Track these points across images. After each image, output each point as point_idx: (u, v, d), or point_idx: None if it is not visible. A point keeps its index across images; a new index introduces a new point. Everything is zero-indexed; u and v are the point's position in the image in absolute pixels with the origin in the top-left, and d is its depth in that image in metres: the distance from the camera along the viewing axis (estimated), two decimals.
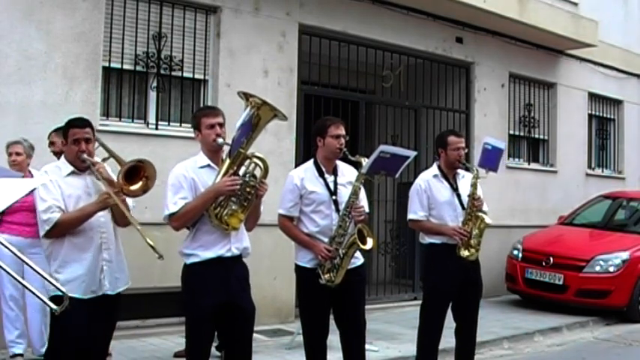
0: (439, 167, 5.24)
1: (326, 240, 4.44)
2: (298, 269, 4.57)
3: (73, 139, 3.81)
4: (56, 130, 5.61)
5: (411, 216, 5.22)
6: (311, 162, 4.63)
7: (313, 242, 4.44)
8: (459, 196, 5.13)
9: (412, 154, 4.68)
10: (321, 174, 4.53)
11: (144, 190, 3.75)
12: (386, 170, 4.56)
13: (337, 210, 4.45)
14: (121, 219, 3.86)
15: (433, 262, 5.19)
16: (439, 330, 5.16)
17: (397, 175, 4.75)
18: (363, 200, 4.58)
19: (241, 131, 3.82)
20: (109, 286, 3.83)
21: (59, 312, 3.10)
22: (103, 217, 3.82)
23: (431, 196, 5.14)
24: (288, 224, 4.56)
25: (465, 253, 5.06)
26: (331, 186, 4.51)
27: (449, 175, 5.19)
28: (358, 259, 4.58)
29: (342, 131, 4.55)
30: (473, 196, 5.06)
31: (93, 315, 3.73)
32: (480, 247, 5.16)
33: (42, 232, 3.76)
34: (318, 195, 4.47)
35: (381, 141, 9.46)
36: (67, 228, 3.71)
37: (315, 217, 4.48)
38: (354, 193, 4.40)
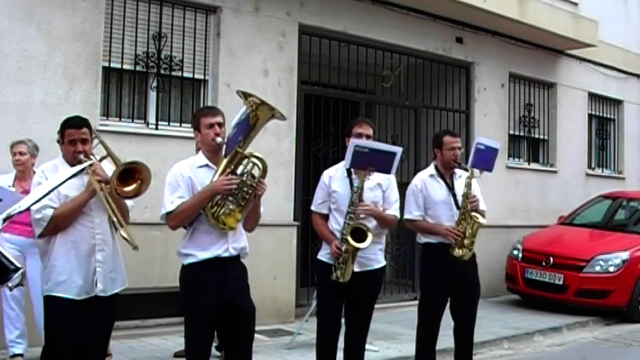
0: (436, 167, 5.28)
1: None
2: (318, 263, 4.72)
3: (69, 140, 3.80)
4: None
5: (406, 215, 5.26)
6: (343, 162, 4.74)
7: (331, 238, 4.57)
8: (454, 195, 5.15)
9: (397, 150, 4.60)
10: (349, 174, 4.63)
11: (136, 192, 3.73)
12: (374, 167, 4.51)
13: None
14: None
15: (429, 261, 5.23)
16: (436, 328, 5.18)
17: (392, 173, 4.69)
18: (393, 202, 4.69)
19: (237, 130, 3.81)
20: (102, 288, 3.78)
21: (12, 288, 3.19)
22: (98, 217, 3.79)
23: (427, 195, 5.17)
24: (317, 220, 4.74)
25: (458, 252, 5.07)
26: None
27: (445, 175, 5.21)
28: (377, 262, 4.67)
29: (364, 130, 4.66)
30: (467, 196, 5.06)
31: (88, 316, 3.71)
32: (474, 247, 5.17)
33: (38, 231, 3.72)
34: (339, 194, 4.61)
35: (381, 141, 9.46)
36: (62, 221, 3.69)
37: (338, 216, 4.61)
38: (356, 192, 4.48)
